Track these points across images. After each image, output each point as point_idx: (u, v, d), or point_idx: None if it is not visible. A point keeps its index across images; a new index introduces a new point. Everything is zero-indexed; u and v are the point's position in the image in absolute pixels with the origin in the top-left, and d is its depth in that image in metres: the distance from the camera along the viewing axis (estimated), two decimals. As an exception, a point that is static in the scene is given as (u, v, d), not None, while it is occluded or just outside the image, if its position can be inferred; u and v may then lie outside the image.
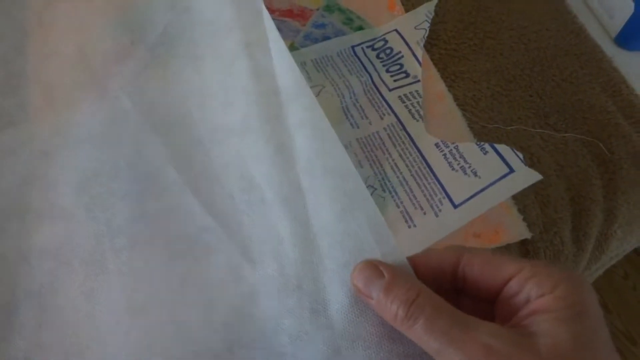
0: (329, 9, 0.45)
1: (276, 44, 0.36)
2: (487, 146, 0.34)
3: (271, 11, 0.44)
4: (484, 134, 0.38)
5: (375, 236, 0.28)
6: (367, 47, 0.43)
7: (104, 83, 0.40)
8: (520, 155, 0.33)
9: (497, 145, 0.34)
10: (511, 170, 0.33)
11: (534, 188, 0.36)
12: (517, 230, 0.34)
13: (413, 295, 0.22)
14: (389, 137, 0.38)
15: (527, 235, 0.34)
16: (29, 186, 0.35)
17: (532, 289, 0.21)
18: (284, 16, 0.45)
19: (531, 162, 0.37)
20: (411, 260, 0.25)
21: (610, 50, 0.44)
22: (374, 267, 0.24)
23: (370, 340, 0.26)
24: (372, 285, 0.24)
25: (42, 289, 0.32)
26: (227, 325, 0.29)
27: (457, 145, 0.36)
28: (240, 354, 0.29)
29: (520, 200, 0.35)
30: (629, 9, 0.44)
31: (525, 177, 0.32)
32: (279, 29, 0.43)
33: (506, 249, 0.34)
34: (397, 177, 0.36)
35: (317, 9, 0.45)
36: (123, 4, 0.44)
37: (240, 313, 0.30)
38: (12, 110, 0.39)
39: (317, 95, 0.40)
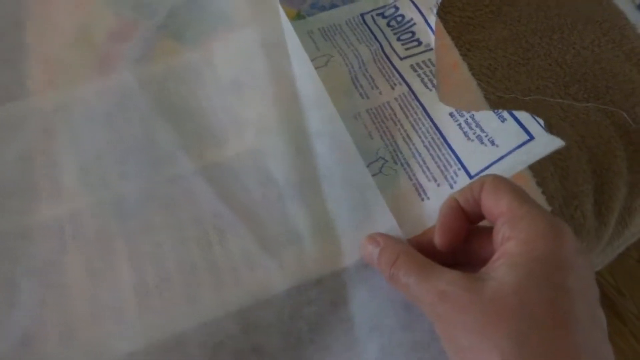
0: (337, -24, 0.43)
1: (296, 50, 0.37)
2: (505, 114, 0.33)
3: (277, -21, 0.43)
4: (500, 104, 0.36)
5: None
6: (377, 14, 0.41)
7: (107, 61, 0.39)
8: (541, 122, 0.31)
9: (515, 112, 0.32)
10: (531, 138, 0.31)
11: (553, 160, 0.34)
12: (535, 203, 0.33)
13: (394, 257, 0.26)
14: (401, 108, 0.36)
15: (546, 208, 0.33)
16: (30, 163, 0.34)
17: (505, 231, 0.23)
18: (290, -16, 0.43)
19: (551, 132, 0.35)
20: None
21: (635, 17, 0.42)
22: (372, 239, 0.29)
23: (385, 330, 0.28)
24: (371, 254, 0.28)
25: (45, 266, 0.31)
26: (241, 309, 0.30)
27: (472, 114, 0.34)
28: (256, 336, 0.29)
29: (539, 172, 0.34)
30: (654, -27, 0.41)
31: (546, 143, 0.30)
32: (285, -3, 0.42)
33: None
34: (410, 148, 0.35)
35: (325, -24, 0.43)
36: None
37: (256, 298, 0.30)
38: (10, 84, 0.37)
39: (325, 65, 0.38)
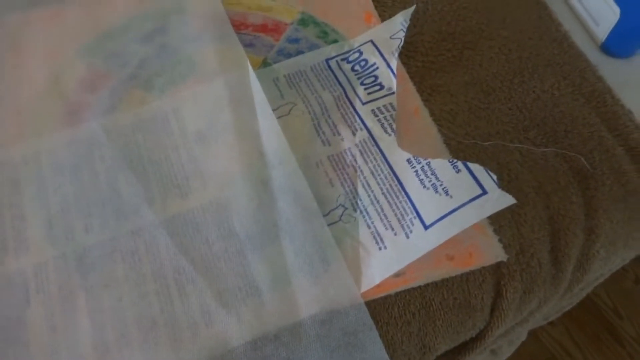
0: (303, 22, 0.44)
1: (262, 106, 0.38)
2: (459, 164, 0.33)
3: (245, 26, 0.44)
4: (460, 150, 0.37)
5: (345, 295, 0.32)
6: (342, 59, 0.42)
7: (77, 112, 0.40)
8: (494, 177, 0.31)
9: (470, 164, 0.32)
10: (484, 192, 0.31)
11: (510, 207, 0.34)
12: (492, 252, 0.33)
13: None
14: (361, 154, 0.37)
15: (502, 257, 0.33)
16: None
17: None
18: (257, 31, 0.44)
19: (509, 178, 0.36)
20: None
21: (596, 58, 0.42)
22: None
23: None
24: None
25: (8, 322, 0.31)
26: None
27: (429, 162, 0.34)
28: None
29: (496, 220, 0.34)
30: (614, 15, 0.42)
31: (498, 200, 0.31)
32: (252, 45, 0.43)
33: (480, 273, 0.33)
34: (369, 195, 0.35)
35: (292, 23, 0.44)
36: (95, 27, 0.44)
37: (212, 355, 0.30)
38: (-20, 135, 0.38)
39: (288, 113, 0.39)
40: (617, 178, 0.36)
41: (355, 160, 0.37)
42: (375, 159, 0.36)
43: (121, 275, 0.33)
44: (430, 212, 0.33)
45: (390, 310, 0.32)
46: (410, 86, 0.40)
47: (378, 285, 0.32)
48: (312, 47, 0.43)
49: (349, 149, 0.37)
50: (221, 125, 0.38)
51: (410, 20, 0.41)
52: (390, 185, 0.35)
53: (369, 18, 0.44)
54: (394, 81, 0.39)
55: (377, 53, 0.41)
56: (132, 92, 0.40)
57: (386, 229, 0.34)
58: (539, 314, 0.36)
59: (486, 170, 0.32)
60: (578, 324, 1.01)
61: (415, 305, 0.32)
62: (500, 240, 0.33)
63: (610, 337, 0.99)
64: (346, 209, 0.35)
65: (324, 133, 0.38)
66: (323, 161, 0.37)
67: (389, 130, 0.37)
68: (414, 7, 0.42)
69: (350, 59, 0.42)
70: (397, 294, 0.32)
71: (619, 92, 0.40)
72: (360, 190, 0.36)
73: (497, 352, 0.44)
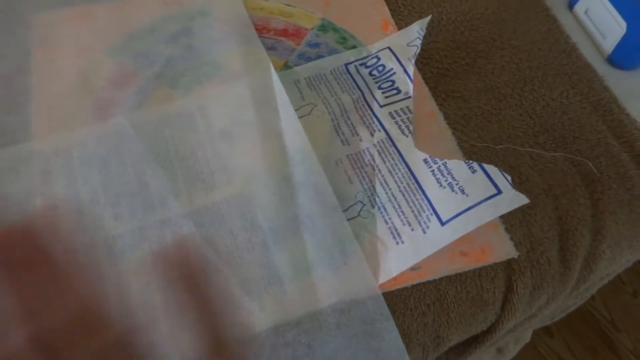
0: (323, 28, 0.46)
1: (284, 106, 0.40)
2: (475, 165, 0.35)
3: (267, 30, 0.46)
4: (473, 152, 0.39)
5: (364, 286, 0.33)
6: (360, 64, 0.44)
7: (106, 108, 0.41)
8: (509, 178, 0.33)
9: (485, 165, 0.34)
10: (499, 192, 0.33)
11: (521, 207, 0.36)
12: (503, 249, 0.35)
13: None
14: (379, 154, 0.39)
15: (513, 254, 0.34)
16: (29, 205, 0.37)
17: None
18: (279, 35, 0.46)
19: (520, 180, 0.38)
20: None
21: (603, 69, 0.44)
22: None
23: None
24: None
25: None
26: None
27: (445, 162, 0.36)
28: None
29: (508, 219, 0.36)
30: (621, 29, 0.44)
31: (512, 199, 0.32)
32: (274, 48, 0.45)
33: (492, 269, 0.34)
34: (386, 193, 0.37)
35: (312, 29, 0.46)
36: (125, 28, 0.45)
37: (235, 338, 0.31)
38: (14, 128, 0.40)
39: (309, 113, 0.41)
40: (623, 182, 0.37)
41: (373, 159, 0.39)
42: (392, 158, 0.38)
43: (149, 263, 0.34)
44: (446, 209, 0.34)
45: (407, 302, 0.33)
46: (426, 91, 0.42)
47: (395, 278, 0.34)
48: (332, 52, 0.45)
49: (367, 148, 0.39)
50: (245, 123, 0.40)
51: (426, 28, 0.43)
52: (407, 183, 0.37)
53: (386, 26, 0.46)
54: (411, 86, 0.41)
55: (394, 59, 0.43)
56: (159, 89, 0.42)
57: (403, 224, 0.35)
58: (547, 310, 0.37)
59: (501, 171, 0.34)
60: (576, 335, 1.02)
61: (430, 297, 0.33)
62: (511, 238, 0.35)
63: (607, 349, 1.00)
64: (364, 205, 0.37)
65: (343, 133, 0.40)
66: (342, 160, 0.39)
67: (406, 131, 0.39)
68: (430, 16, 0.44)
69: (369, 64, 0.44)
70: (413, 286, 0.34)
71: (624, 102, 0.42)
72: (378, 187, 0.37)
73: (503, 351, 0.45)
